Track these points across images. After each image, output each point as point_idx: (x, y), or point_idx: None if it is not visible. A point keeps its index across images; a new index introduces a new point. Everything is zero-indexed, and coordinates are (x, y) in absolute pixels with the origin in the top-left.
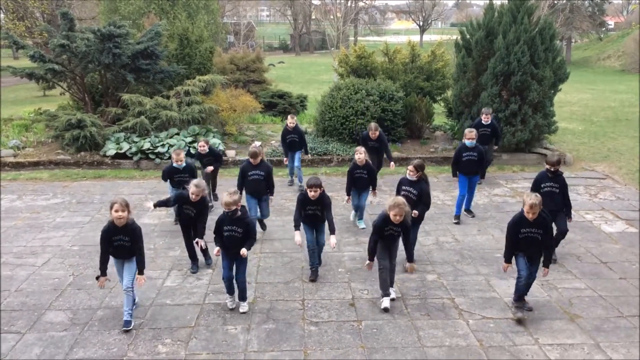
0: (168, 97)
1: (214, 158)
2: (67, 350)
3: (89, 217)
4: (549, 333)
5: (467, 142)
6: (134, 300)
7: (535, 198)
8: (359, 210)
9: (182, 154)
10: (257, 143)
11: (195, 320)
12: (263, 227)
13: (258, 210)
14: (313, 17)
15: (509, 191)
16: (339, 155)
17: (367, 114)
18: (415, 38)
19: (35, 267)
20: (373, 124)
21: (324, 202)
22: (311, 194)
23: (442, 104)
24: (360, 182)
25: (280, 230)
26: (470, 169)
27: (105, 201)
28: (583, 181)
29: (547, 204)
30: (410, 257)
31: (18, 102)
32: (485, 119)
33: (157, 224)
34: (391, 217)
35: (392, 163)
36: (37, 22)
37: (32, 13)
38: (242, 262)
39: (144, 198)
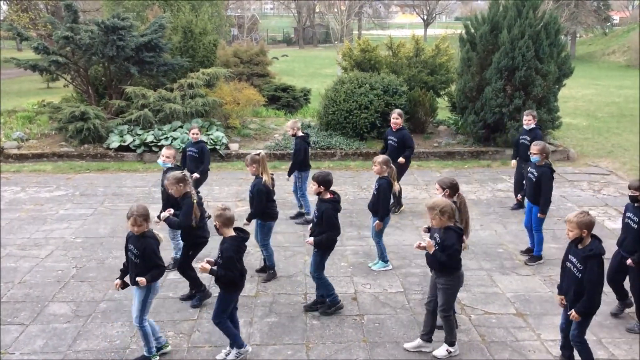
0: (172, 90)
1: (200, 159)
2: (70, 342)
3: (92, 210)
4: (552, 329)
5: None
6: (149, 333)
7: None
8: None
9: (172, 151)
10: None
11: (198, 313)
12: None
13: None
14: (317, 10)
15: (512, 186)
16: (342, 149)
17: (370, 108)
18: (420, 32)
19: (39, 259)
20: (397, 109)
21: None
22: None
23: (446, 99)
24: (371, 199)
25: (283, 223)
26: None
27: (108, 194)
28: (587, 177)
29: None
30: None
31: (22, 93)
32: (527, 122)
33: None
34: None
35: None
36: (40, 14)
37: (35, 5)
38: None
39: (147, 191)
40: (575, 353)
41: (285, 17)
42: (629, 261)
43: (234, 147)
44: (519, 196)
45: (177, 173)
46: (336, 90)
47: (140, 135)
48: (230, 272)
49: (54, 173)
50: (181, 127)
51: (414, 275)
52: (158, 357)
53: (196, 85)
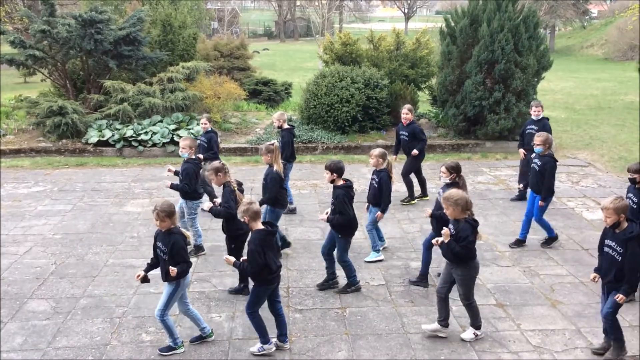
0: (151, 84)
1: (209, 147)
2: (50, 339)
3: (71, 206)
4: (531, 319)
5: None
6: (171, 325)
7: None
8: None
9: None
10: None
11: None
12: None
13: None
14: (298, 3)
15: (492, 179)
16: (323, 142)
17: (352, 102)
18: (400, 26)
19: (17, 255)
20: (407, 105)
21: None
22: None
23: (427, 92)
24: (371, 191)
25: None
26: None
27: (87, 189)
28: (565, 169)
29: None
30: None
31: None
32: (536, 112)
33: (140, 212)
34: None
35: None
36: (17, 7)
37: None
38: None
39: (127, 186)
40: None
41: (266, 10)
42: None
43: None
44: (521, 185)
45: (216, 163)
46: (317, 84)
47: (119, 129)
48: (254, 265)
49: (32, 169)
50: (161, 121)
51: (396, 267)
52: (184, 349)
53: (176, 79)
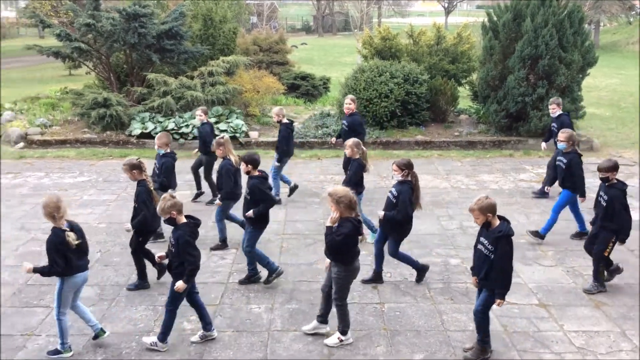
0: (192, 78)
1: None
2: None
3: (115, 196)
4: (574, 320)
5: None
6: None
7: None
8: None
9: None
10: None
11: (220, 298)
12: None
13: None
14: None
15: (535, 177)
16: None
17: (390, 97)
18: (440, 20)
19: None
20: (350, 95)
21: None
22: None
23: (468, 87)
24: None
25: (302, 212)
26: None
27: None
28: None
29: None
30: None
31: (44, 80)
32: (552, 110)
33: (184, 203)
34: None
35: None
36: (62, 2)
37: None
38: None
39: None
40: None
41: (305, 5)
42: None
43: (253, 135)
44: (546, 187)
45: (132, 159)
46: (356, 79)
47: (161, 122)
48: (193, 259)
49: (77, 159)
50: None
51: (435, 264)
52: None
53: (216, 73)
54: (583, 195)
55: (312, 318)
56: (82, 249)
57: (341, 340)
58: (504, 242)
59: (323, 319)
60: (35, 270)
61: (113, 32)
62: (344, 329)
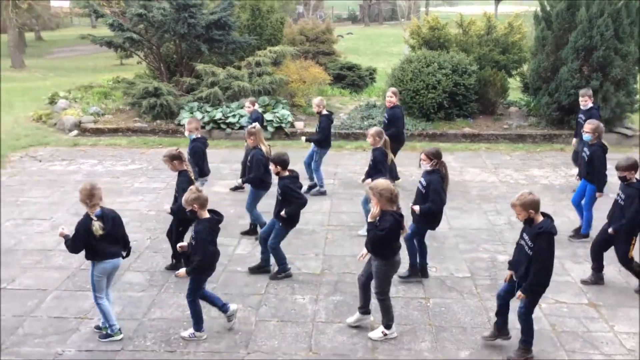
0: (239, 68)
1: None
2: (145, 310)
3: (165, 184)
4: (626, 321)
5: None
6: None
7: None
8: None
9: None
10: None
11: (265, 288)
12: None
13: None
14: None
15: None
16: (407, 129)
17: (438, 88)
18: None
19: None
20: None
21: None
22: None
23: (518, 79)
24: (368, 170)
25: (347, 203)
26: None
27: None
28: None
29: None
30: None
31: (97, 70)
32: (583, 102)
33: (227, 192)
34: None
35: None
36: None
37: None
38: (190, 280)
39: (216, 167)
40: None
41: None
42: (610, 230)
43: (299, 125)
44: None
45: (172, 150)
46: (403, 70)
47: (209, 112)
48: (207, 255)
49: (129, 147)
50: None
51: (482, 260)
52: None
53: (263, 63)
54: (601, 190)
55: (356, 310)
56: (111, 237)
57: (385, 334)
58: (544, 239)
59: (364, 309)
60: (64, 237)
61: (164, 22)
62: (387, 322)
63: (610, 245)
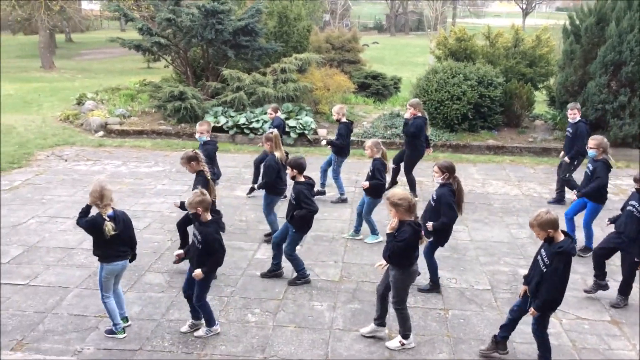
0: (264, 74)
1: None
2: (163, 311)
3: (187, 187)
4: None
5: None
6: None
7: None
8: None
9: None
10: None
11: (283, 293)
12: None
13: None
14: None
15: (613, 188)
16: (431, 140)
17: (463, 99)
18: (518, 22)
19: (137, 230)
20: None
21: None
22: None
23: (544, 92)
24: (366, 179)
25: None
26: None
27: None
28: None
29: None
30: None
31: (125, 72)
32: (571, 115)
33: (249, 197)
34: None
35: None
36: None
37: None
38: (198, 283)
39: (238, 171)
40: None
41: (378, 3)
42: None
43: (322, 132)
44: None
45: (189, 151)
46: (428, 80)
47: (233, 117)
48: (221, 254)
49: (153, 149)
50: None
51: (502, 273)
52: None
53: (289, 70)
54: (584, 195)
55: (372, 320)
56: (121, 239)
57: (403, 344)
58: (562, 259)
59: (380, 321)
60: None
61: (192, 27)
62: (405, 332)
63: (613, 254)
